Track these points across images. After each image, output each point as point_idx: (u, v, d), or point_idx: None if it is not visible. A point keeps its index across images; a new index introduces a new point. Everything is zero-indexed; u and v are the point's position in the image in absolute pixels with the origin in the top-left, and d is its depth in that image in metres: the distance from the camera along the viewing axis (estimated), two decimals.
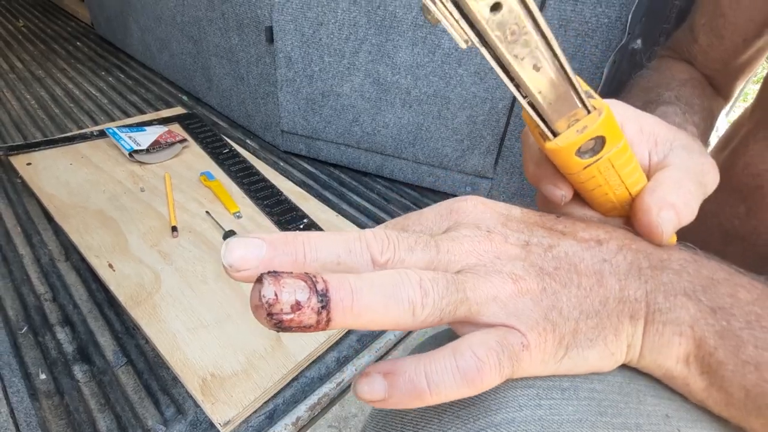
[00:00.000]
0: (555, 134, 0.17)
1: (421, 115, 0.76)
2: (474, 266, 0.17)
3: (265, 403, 0.48)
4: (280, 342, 0.51)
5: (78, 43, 1.44)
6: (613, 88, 0.62)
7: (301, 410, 0.49)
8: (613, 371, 0.19)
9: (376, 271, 0.16)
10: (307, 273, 0.14)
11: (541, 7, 0.62)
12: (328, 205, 0.75)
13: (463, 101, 0.72)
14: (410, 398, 0.15)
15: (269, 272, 0.14)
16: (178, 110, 1.02)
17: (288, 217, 0.70)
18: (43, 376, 0.49)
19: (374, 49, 0.72)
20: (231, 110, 1.01)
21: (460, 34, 0.15)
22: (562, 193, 0.20)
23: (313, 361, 0.52)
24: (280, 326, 0.13)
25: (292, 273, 0.14)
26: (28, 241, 0.66)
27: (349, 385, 0.53)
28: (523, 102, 0.17)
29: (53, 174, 0.76)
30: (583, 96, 0.16)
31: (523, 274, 0.17)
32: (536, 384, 0.19)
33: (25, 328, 0.54)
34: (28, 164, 0.78)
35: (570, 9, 0.62)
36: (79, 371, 0.50)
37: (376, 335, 0.57)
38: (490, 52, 0.15)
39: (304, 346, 0.51)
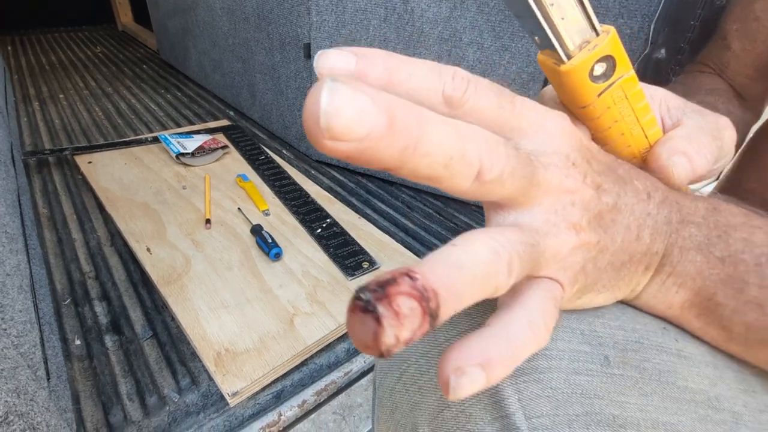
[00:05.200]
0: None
1: None
2: (547, 210, 0.16)
3: (273, 382, 0.49)
4: (292, 326, 0.53)
5: (144, 66, 1.61)
6: None
7: (308, 394, 0.50)
8: None
9: (471, 248, 0.13)
10: (415, 283, 0.11)
11: None
12: (353, 210, 0.78)
13: None
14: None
15: (379, 296, 0.10)
16: (224, 122, 1.11)
17: (312, 217, 0.73)
18: (78, 342, 0.53)
19: None
20: (271, 122, 1.08)
21: None
22: None
23: (323, 349, 0.54)
24: (390, 354, 0.11)
25: (402, 289, 0.11)
26: (81, 227, 0.73)
27: (358, 376, 0.54)
28: (546, 27, 0.17)
29: (109, 171, 0.84)
30: (594, 19, 0.17)
31: (586, 227, 0.16)
32: None
33: (69, 300, 0.59)
34: (89, 163, 0.87)
35: None
36: (109, 340, 0.54)
37: None
38: None
39: (315, 332, 0.53)
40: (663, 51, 0.61)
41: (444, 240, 0.56)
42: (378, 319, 0.10)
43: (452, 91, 0.14)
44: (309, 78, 0.86)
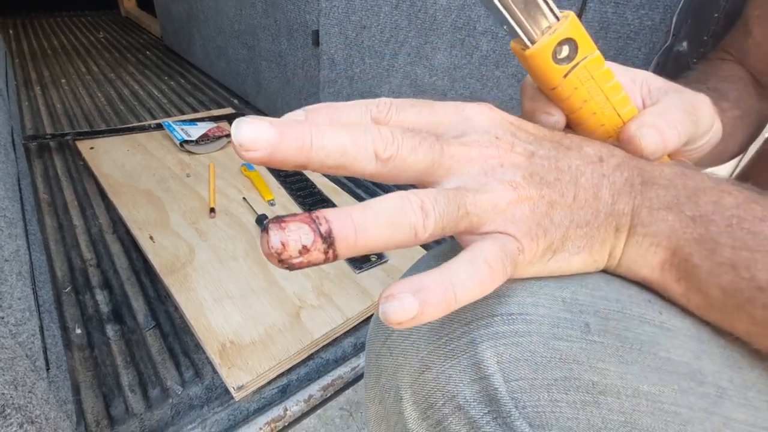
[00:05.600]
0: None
1: None
2: (476, 174, 0.17)
3: (279, 376, 0.48)
4: (299, 319, 0.52)
5: (147, 53, 1.59)
6: None
7: (314, 389, 0.48)
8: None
9: (377, 199, 0.16)
10: (309, 214, 0.14)
11: (582, 10, 0.62)
12: (359, 201, 0.77)
13: (500, 103, 0.72)
14: (440, 310, 0.15)
15: (273, 219, 0.14)
16: (228, 110, 1.09)
17: (318, 207, 0.72)
18: (78, 331, 0.52)
19: (413, 51, 0.74)
20: (276, 112, 1.06)
21: None
22: (555, 118, 0.21)
23: (329, 344, 0.52)
24: (293, 268, 0.14)
25: (295, 216, 0.14)
26: (82, 213, 0.71)
27: (364, 372, 0.52)
28: (508, 16, 0.19)
29: (111, 158, 0.82)
30: (552, 6, 0.19)
31: (522, 182, 0.17)
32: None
33: (69, 288, 0.58)
34: (91, 148, 0.85)
35: (611, 12, 0.61)
36: (111, 330, 0.52)
37: None
38: None
39: (321, 326, 0.51)
40: (685, 44, 0.59)
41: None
42: (267, 230, 0.14)
43: (377, 114, 0.18)
44: (317, 66, 0.84)
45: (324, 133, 0.15)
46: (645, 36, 0.61)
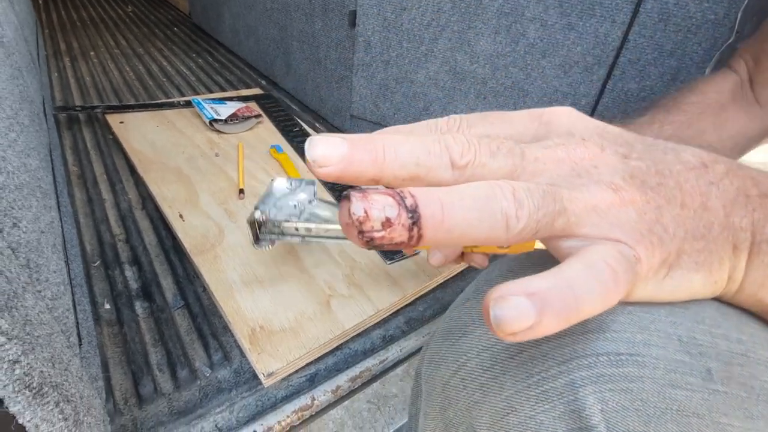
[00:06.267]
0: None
1: (495, 107, 0.74)
2: (567, 176, 0.16)
3: (307, 365, 0.47)
4: (329, 308, 0.50)
5: (175, 29, 1.58)
6: None
7: (342, 380, 0.47)
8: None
9: (465, 184, 0.14)
10: (393, 189, 0.13)
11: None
12: None
13: (543, 95, 0.69)
14: (561, 320, 0.13)
15: (356, 189, 0.13)
16: (257, 91, 1.07)
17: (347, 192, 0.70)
18: (107, 306, 0.51)
19: (455, 36, 0.71)
20: (305, 94, 1.04)
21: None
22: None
23: (359, 334, 0.51)
24: (372, 243, 0.13)
25: (378, 189, 0.13)
26: (111, 188, 0.71)
27: (393, 365, 0.51)
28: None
29: (141, 133, 0.82)
30: None
31: (623, 184, 0.15)
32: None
33: (98, 262, 0.57)
34: (121, 122, 0.84)
35: (673, 2, 0.57)
36: (139, 307, 0.52)
37: (425, 320, 0.55)
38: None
39: (352, 317, 0.50)
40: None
41: None
42: (349, 197, 0.13)
43: (447, 130, 0.17)
44: (351, 48, 0.82)
45: (396, 144, 0.15)
46: (707, 30, 0.57)
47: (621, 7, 0.60)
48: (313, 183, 0.50)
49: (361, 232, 0.13)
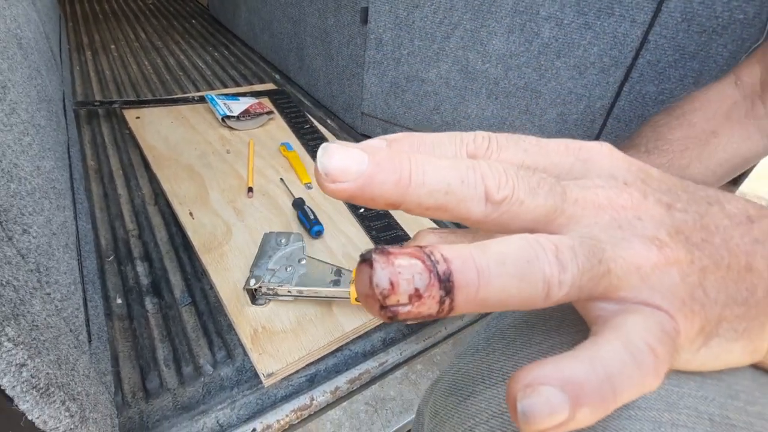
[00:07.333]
0: None
1: (506, 108, 0.72)
2: (607, 226, 0.14)
3: (307, 366, 0.48)
4: (330, 311, 0.51)
5: (193, 21, 1.59)
6: None
7: (341, 381, 0.48)
8: None
9: (501, 239, 0.13)
10: (422, 248, 0.11)
11: None
12: None
13: (556, 96, 0.67)
14: (597, 414, 0.12)
15: (377, 250, 0.11)
16: (270, 86, 1.08)
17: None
18: (119, 301, 0.53)
19: (467, 35, 0.70)
20: (317, 90, 1.04)
21: None
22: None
23: (359, 337, 0.52)
24: (395, 319, 0.11)
25: (404, 250, 0.11)
26: (126, 183, 0.73)
27: (392, 368, 0.51)
28: None
29: (156, 129, 0.83)
30: None
31: (668, 241, 0.14)
32: None
33: (112, 257, 0.59)
34: (137, 118, 0.86)
35: (698, 1, 0.55)
36: (149, 303, 0.54)
37: (426, 324, 0.55)
38: None
39: (353, 320, 0.50)
40: None
41: None
42: (370, 263, 0.11)
43: (475, 150, 0.15)
44: (363, 45, 0.81)
45: (425, 165, 0.13)
46: (734, 31, 0.55)
47: (642, 6, 0.58)
48: (300, 239, 0.54)
49: (383, 307, 0.11)
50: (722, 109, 0.40)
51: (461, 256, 0.11)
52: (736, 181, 0.59)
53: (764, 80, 0.39)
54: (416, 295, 0.11)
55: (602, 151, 0.16)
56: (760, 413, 0.15)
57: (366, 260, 0.11)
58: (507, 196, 0.13)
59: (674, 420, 0.15)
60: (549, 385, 0.11)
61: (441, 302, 0.11)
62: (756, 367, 0.16)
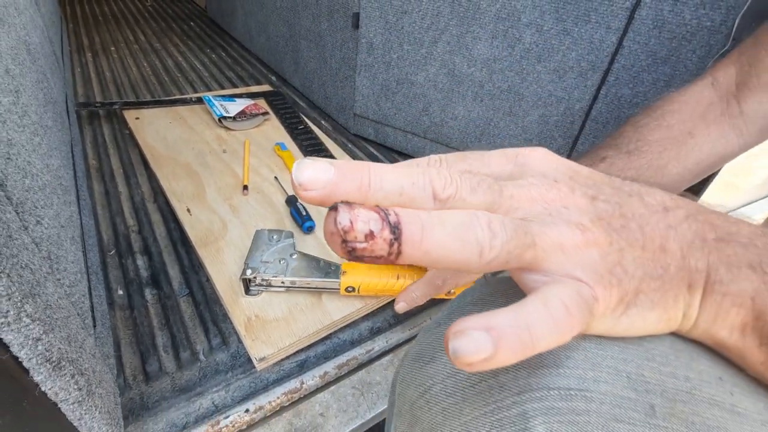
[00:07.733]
0: None
1: (491, 109, 0.76)
2: (539, 214, 0.17)
3: (297, 352, 0.51)
4: (320, 301, 0.54)
5: (191, 23, 1.62)
6: None
7: (330, 366, 0.51)
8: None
9: (446, 210, 0.16)
10: (378, 206, 0.14)
11: (636, 6, 0.59)
12: None
13: (537, 99, 0.71)
14: (516, 354, 0.14)
15: (343, 202, 0.14)
16: (266, 87, 1.11)
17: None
18: (120, 292, 0.56)
19: (453, 40, 0.73)
20: (312, 92, 1.07)
21: None
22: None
23: (347, 325, 0.55)
24: (353, 254, 0.14)
25: (363, 205, 0.14)
26: (126, 181, 0.76)
27: (378, 355, 0.55)
28: None
29: (155, 129, 0.86)
30: None
31: (590, 226, 0.17)
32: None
33: (113, 251, 0.62)
34: (137, 118, 0.89)
35: (668, 9, 0.58)
36: (149, 294, 0.57)
37: (412, 314, 0.58)
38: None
39: (341, 308, 0.53)
40: None
41: None
42: (336, 208, 0.14)
43: (426, 165, 0.18)
44: (355, 49, 0.84)
45: (382, 173, 0.15)
46: (702, 37, 0.58)
47: (616, 14, 0.61)
48: (291, 235, 0.57)
49: (344, 241, 0.14)
50: (698, 110, 0.42)
51: (410, 213, 0.14)
52: (698, 191, 0.62)
53: (739, 81, 0.42)
54: (370, 235, 0.14)
55: (535, 155, 0.19)
56: (672, 373, 0.17)
57: (334, 207, 0.14)
58: (451, 194, 0.16)
59: (596, 377, 0.17)
60: (477, 330, 0.14)
61: (391, 245, 0.14)
62: (675, 335, 0.19)
